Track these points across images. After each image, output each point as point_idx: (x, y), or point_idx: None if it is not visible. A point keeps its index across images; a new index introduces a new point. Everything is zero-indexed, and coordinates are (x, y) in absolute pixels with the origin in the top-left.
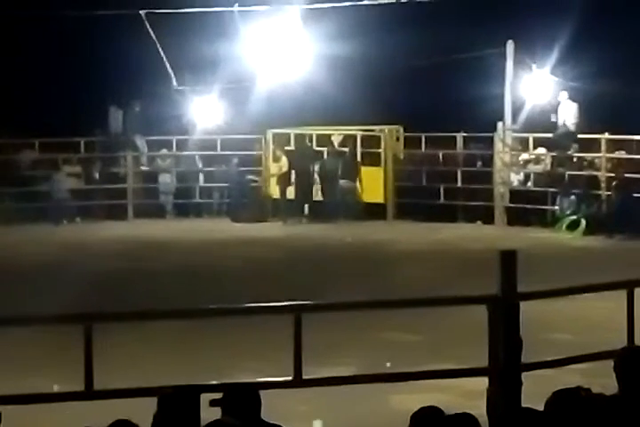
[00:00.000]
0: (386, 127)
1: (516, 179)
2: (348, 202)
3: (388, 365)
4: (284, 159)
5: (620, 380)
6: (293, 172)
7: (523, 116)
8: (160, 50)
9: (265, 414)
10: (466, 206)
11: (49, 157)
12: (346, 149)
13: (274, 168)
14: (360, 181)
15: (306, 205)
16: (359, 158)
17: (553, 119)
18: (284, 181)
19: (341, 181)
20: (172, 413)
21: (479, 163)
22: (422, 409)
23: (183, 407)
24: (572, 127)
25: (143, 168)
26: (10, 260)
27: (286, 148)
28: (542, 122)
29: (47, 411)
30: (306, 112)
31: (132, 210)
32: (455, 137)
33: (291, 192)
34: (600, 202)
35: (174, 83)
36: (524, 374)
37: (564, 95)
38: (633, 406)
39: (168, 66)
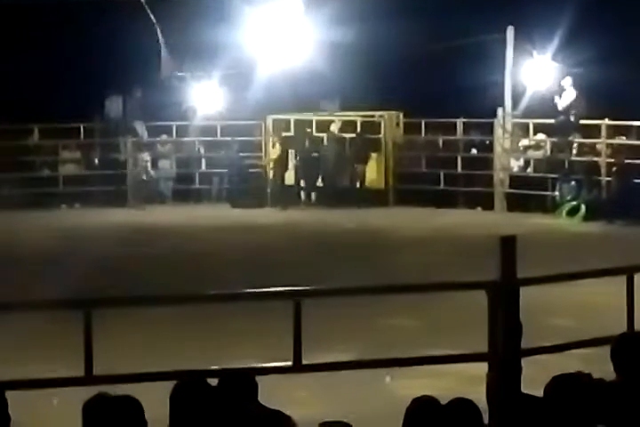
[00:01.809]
0: (385, 113)
1: (516, 165)
2: (359, 186)
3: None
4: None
5: (617, 367)
6: (298, 158)
7: (523, 103)
8: (159, 35)
9: (264, 400)
10: (466, 192)
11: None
12: (345, 135)
13: (274, 154)
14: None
15: (312, 192)
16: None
17: (557, 101)
18: (281, 166)
19: (356, 166)
20: (192, 400)
21: (473, 150)
22: (416, 400)
23: (202, 394)
24: (571, 117)
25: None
26: (9, 246)
27: (284, 134)
28: (543, 108)
29: (47, 396)
30: (306, 98)
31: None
32: (455, 123)
33: (290, 178)
34: (600, 188)
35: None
36: (523, 360)
37: (567, 81)
38: (631, 393)
39: (164, 50)
